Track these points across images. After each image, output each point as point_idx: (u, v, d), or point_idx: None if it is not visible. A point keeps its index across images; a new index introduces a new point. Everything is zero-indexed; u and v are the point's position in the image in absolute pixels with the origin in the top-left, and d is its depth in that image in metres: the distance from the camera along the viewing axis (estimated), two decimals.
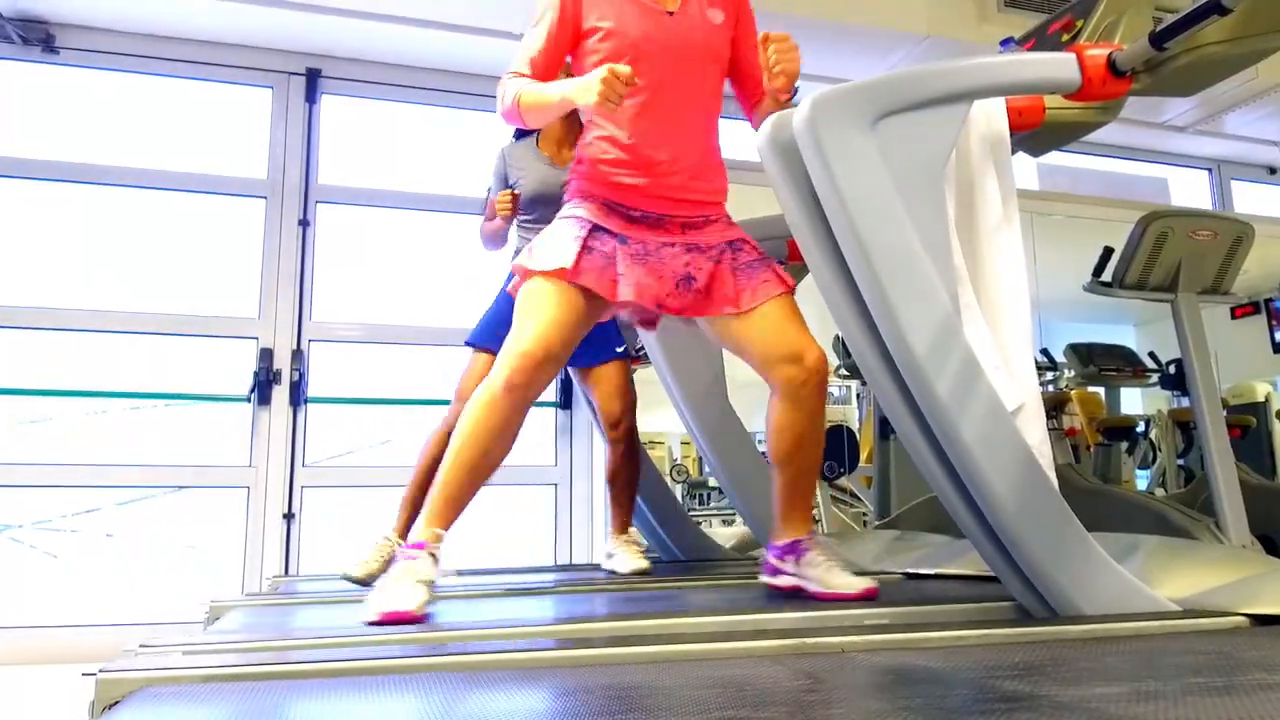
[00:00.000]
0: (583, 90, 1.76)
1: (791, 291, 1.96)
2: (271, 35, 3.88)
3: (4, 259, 3.61)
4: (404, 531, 2.55)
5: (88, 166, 3.72)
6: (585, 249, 1.86)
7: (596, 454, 3.94)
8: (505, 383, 1.78)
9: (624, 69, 1.75)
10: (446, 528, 1.78)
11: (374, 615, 1.66)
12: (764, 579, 2.04)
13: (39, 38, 3.66)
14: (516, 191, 2.76)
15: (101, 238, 3.75)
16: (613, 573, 2.80)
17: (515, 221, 2.86)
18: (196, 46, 3.89)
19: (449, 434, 2.61)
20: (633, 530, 2.97)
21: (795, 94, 1.90)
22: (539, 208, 2.73)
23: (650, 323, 2.11)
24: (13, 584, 3.42)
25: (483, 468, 1.81)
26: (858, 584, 1.87)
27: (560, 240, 1.89)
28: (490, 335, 2.75)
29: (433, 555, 1.75)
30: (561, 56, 1.99)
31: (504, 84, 1.96)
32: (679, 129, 1.95)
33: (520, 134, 2.89)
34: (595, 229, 1.89)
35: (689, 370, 2.63)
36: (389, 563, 2.25)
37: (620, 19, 1.93)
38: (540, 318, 1.81)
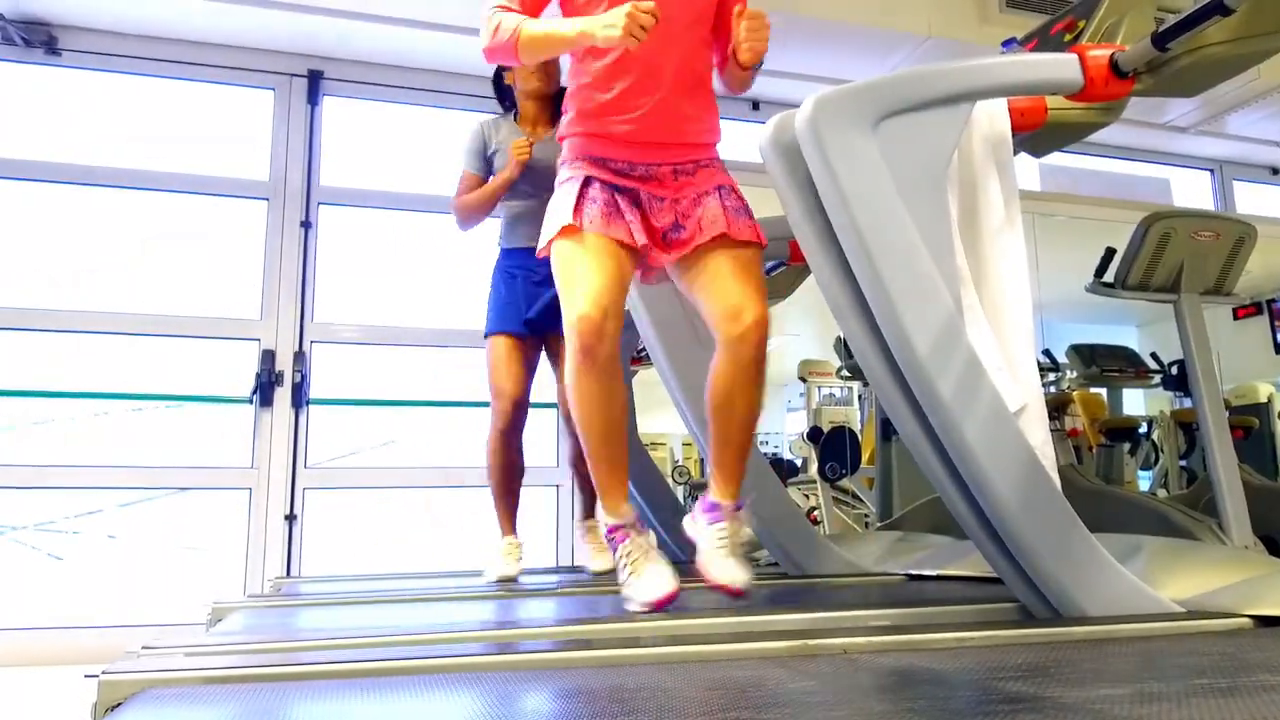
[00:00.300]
0: (605, 26, 1.75)
1: (762, 247, 1.97)
2: (273, 37, 3.88)
3: (7, 260, 3.61)
4: (509, 528, 2.74)
5: (90, 168, 3.73)
6: (582, 199, 1.88)
7: None
8: (579, 350, 1.81)
9: (647, 3, 1.73)
10: (625, 499, 1.91)
11: (645, 604, 1.76)
12: (684, 523, 2.04)
13: (41, 40, 3.67)
14: (532, 140, 2.70)
15: (104, 239, 3.75)
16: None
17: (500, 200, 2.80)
18: (198, 48, 3.89)
19: (501, 435, 2.69)
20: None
21: (760, 67, 1.93)
22: (522, 182, 2.70)
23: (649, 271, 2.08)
24: (15, 585, 3.42)
25: (612, 432, 1.90)
26: (728, 577, 1.84)
27: (560, 202, 1.92)
28: (498, 319, 2.74)
29: (635, 528, 1.88)
30: None
31: (494, 17, 1.90)
32: (662, 72, 1.92)
33: (507, 107, 2.88)
34: (589, 180, 1.91)
35: (691, 371, 2.62)
36: (518, 559, 2.69)
37: None
38: (580, 277, 1.83)
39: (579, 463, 2.86)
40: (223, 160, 3.88)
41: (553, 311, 2.65)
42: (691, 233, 1.92)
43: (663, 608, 1.75)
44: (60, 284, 3.65)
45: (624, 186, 1.92)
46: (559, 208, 1.91)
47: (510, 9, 1.93)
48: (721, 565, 1.86)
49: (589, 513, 2.93)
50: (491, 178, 2.76)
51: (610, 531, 1.89)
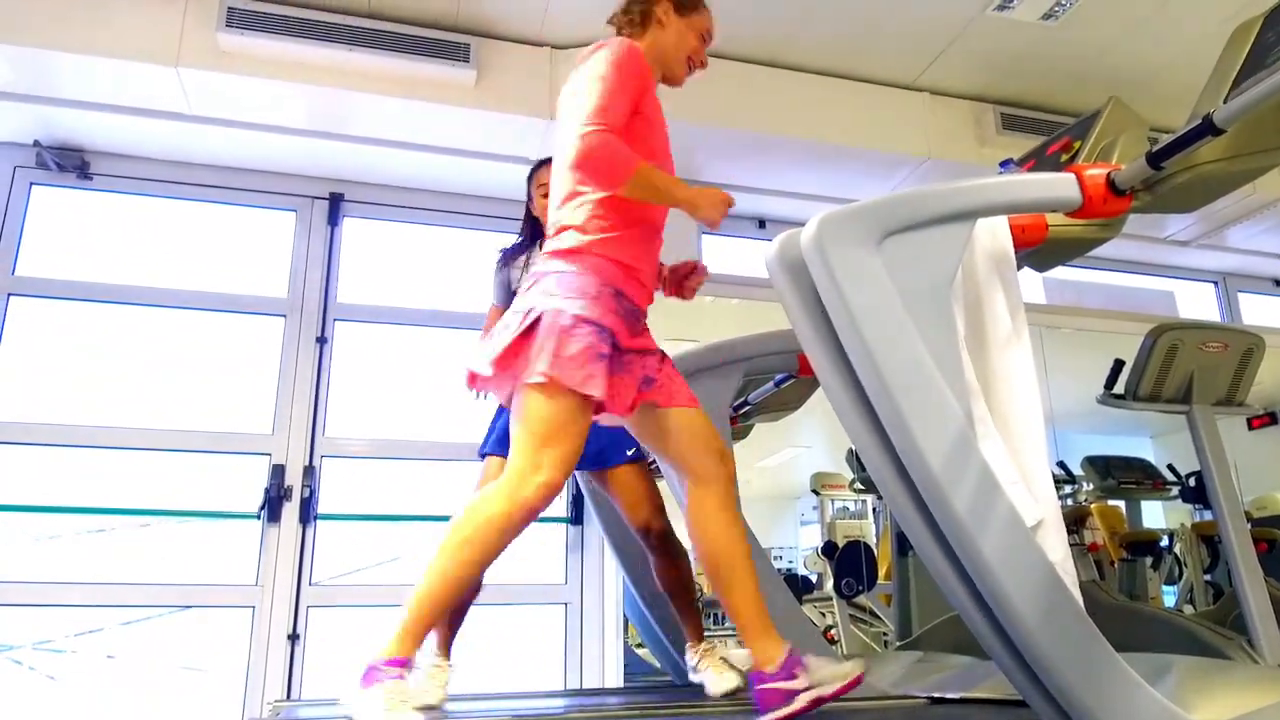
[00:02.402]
0: (709, 209, 1.90)
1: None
2: (297, 162, 4.03)
3: (23, 375, 3.66)
4: (446, 648, 2.61)
5: (113, 287, 3.81)
6: (600, 357, 1.82)
7: (608, 571, 3.86)
8: (529, 510, 1.77)
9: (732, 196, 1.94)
10: (419, 645, 1.74)
11: None
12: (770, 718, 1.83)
13: (74, 164, 3.82)
14: None
15: (120, 355, 3.80)
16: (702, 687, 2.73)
17: None
18: (224, 173, 4.04)
19: None
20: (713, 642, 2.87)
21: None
22: None
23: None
24: (7, 709, 3.32)
25: (471, 584, 1.86)
26: (844, 672, 1.85)
27: (587, 354, 1.81)
28: (497, 442, 2.75)
29: (410, 672, 1.72)
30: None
31: (610, 143, 1.81)
32: (659, 230, 2.06)
33: (532, 238, 2.95)
34: (602, 332, 1.85)
35: None
36: (444, 684, 2.51)
37: (656, 116, 2.04)
38: (565, 444, 1.81)
39: (679, 590, 2.81)
40: (243, 278, 3.97)
41: (600, 447, 2.69)
42: (660, 384, 1.99)
43: None
44: (75, 399, 3.68)
45: (615, 342, 1.93)
46: (587, 365, 1.80)
47: (612, 130, 1.85)
48: (833, 670, 1.85)
49: (698, 635, 2.83)
50: None
51: (391, 663, 1.67)
